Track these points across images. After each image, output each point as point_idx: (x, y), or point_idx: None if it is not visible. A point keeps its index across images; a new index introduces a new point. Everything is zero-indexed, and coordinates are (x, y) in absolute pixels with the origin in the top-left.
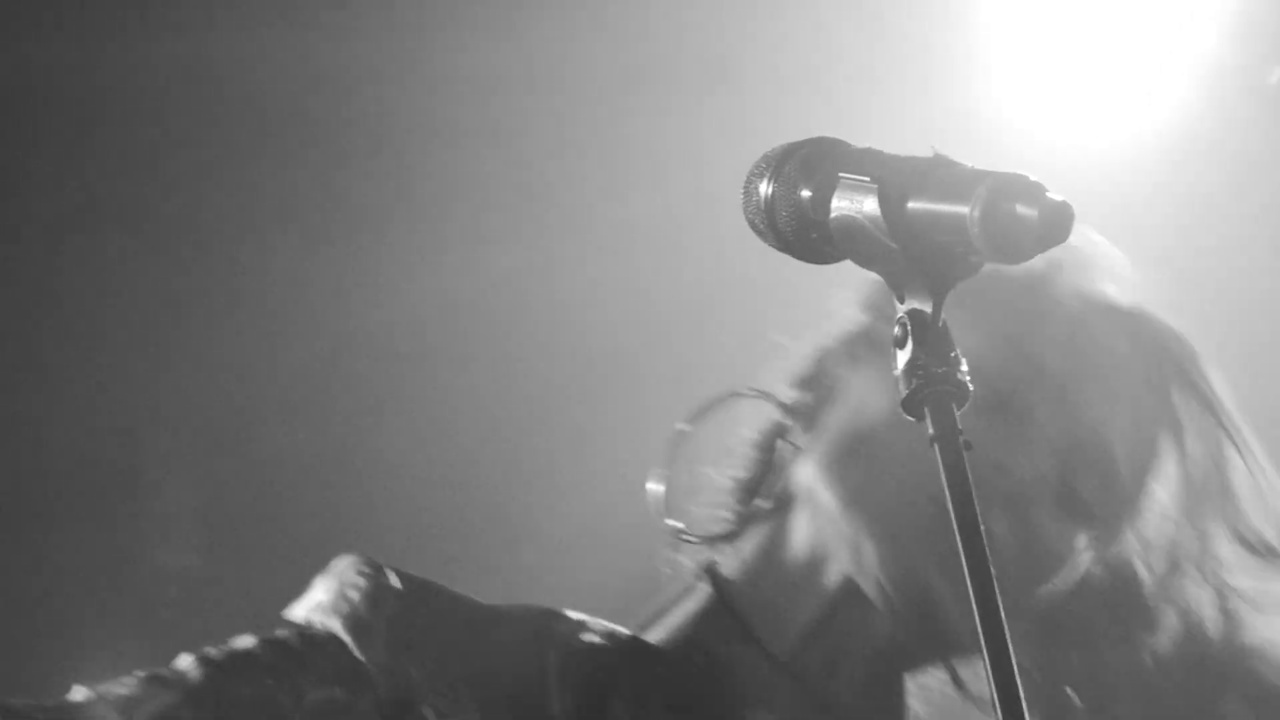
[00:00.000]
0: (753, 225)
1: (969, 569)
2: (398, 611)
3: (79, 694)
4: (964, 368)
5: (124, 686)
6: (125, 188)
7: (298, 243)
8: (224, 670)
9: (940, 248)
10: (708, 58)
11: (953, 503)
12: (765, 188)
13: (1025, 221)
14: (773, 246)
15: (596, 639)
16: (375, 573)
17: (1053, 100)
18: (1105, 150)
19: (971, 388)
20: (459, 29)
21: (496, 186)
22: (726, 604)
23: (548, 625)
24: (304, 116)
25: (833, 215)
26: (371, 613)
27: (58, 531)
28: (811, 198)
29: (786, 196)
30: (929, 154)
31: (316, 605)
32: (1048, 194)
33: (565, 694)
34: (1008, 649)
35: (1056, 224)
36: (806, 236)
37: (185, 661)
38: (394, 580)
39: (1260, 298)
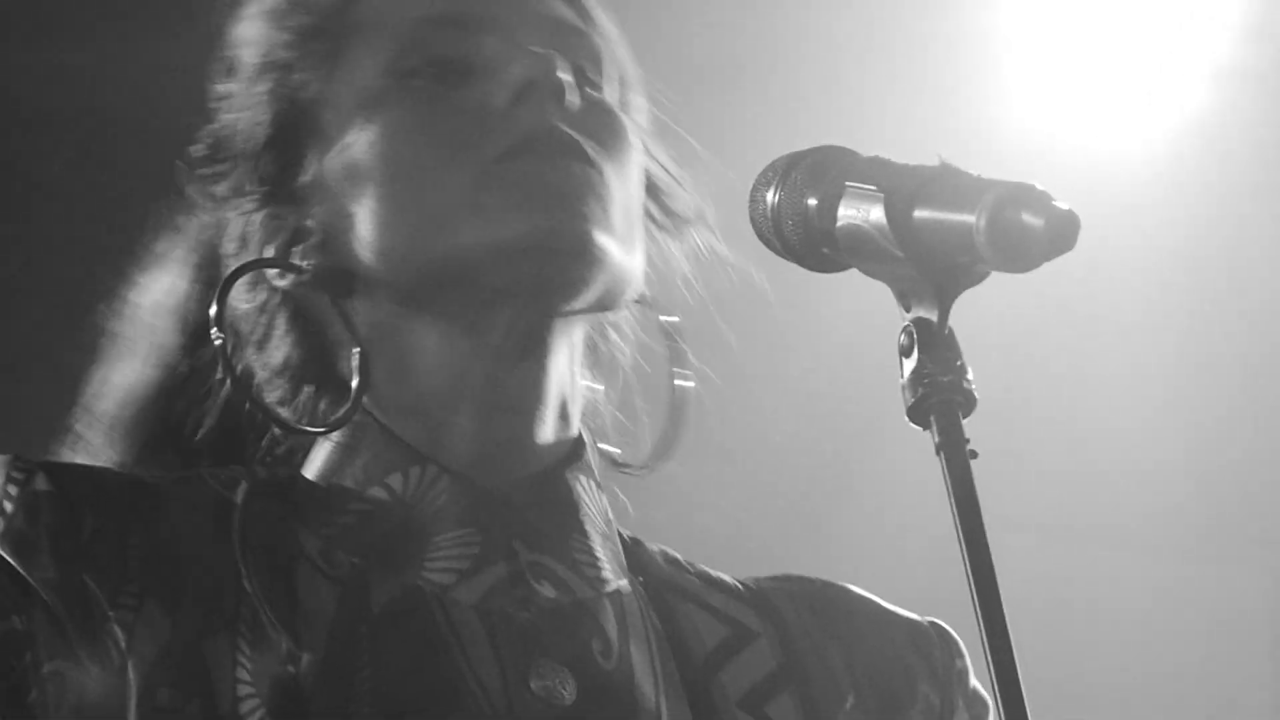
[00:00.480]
0: (759, 233)
1: (974, 578)
2: (56, 519)
3: None
4: (970, 376)
5: None
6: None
7: None
8: None
9: (947, 256)
10: (720, 61)
11: (958, 512)
12: (772, 196)
13: (1032, 230)
14: (779, 254)
15: (271, 491)
16: (27, 477)
17: (1064, 105)
18: (1116, 154)
19: (978, 396)
20: None
21: None
22: None
23: (219, 492)
24: None
25: (839, 224)
26: (29, 525)
27: None
28: (818, 206)
29: (793, 205)
30: (936, 163)
31: None
32: (1054, 203)
33: (252, 565)
34: (1012, 657)
35: (1063, 233)
36: (813, 245)
37: None
38: (44, 483)
39: (1272, 299)
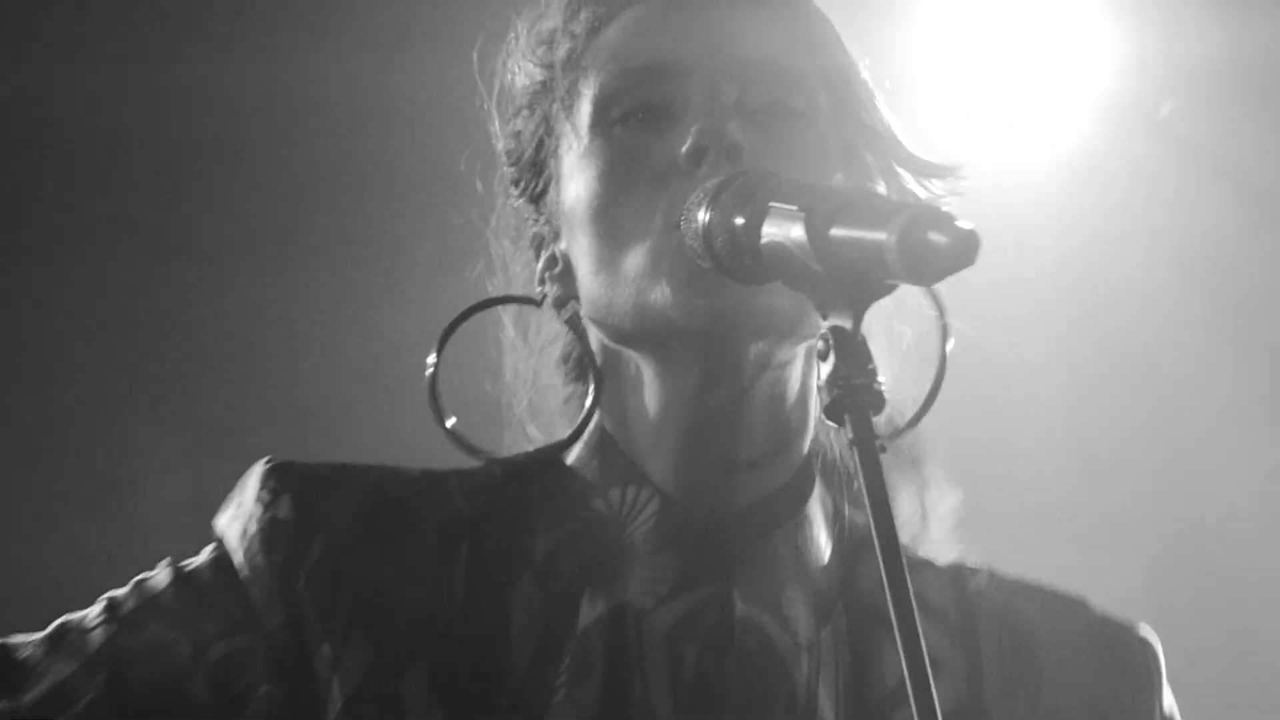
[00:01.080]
0: (691, 250)
1: (884, 563)
2: (288, 549)
3: None
4: (880, 379)
5: (25, 649)
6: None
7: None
8: (126, 625)
9: (860, 270)
10: None
11: (870, 501)
12: (703, 215)
13: (937, 248)
14: (709, 269)
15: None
16: (273, 499)
17: (963, 131)
18: (1008, 180)
19: (887, 397)
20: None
21: None
22: None
23: (459, 507)
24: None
25: (763, 240)
26: (265, 553)
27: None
28: (744, 224)
29: (723, 223)
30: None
31: (226, 531)
32: (957, 223)
33: (474, 585)
34: (919, 638)
35: (965, 250)
36: (740, 260)
37: (96, 610)
38: (286, 509)
39: (1155, 324)
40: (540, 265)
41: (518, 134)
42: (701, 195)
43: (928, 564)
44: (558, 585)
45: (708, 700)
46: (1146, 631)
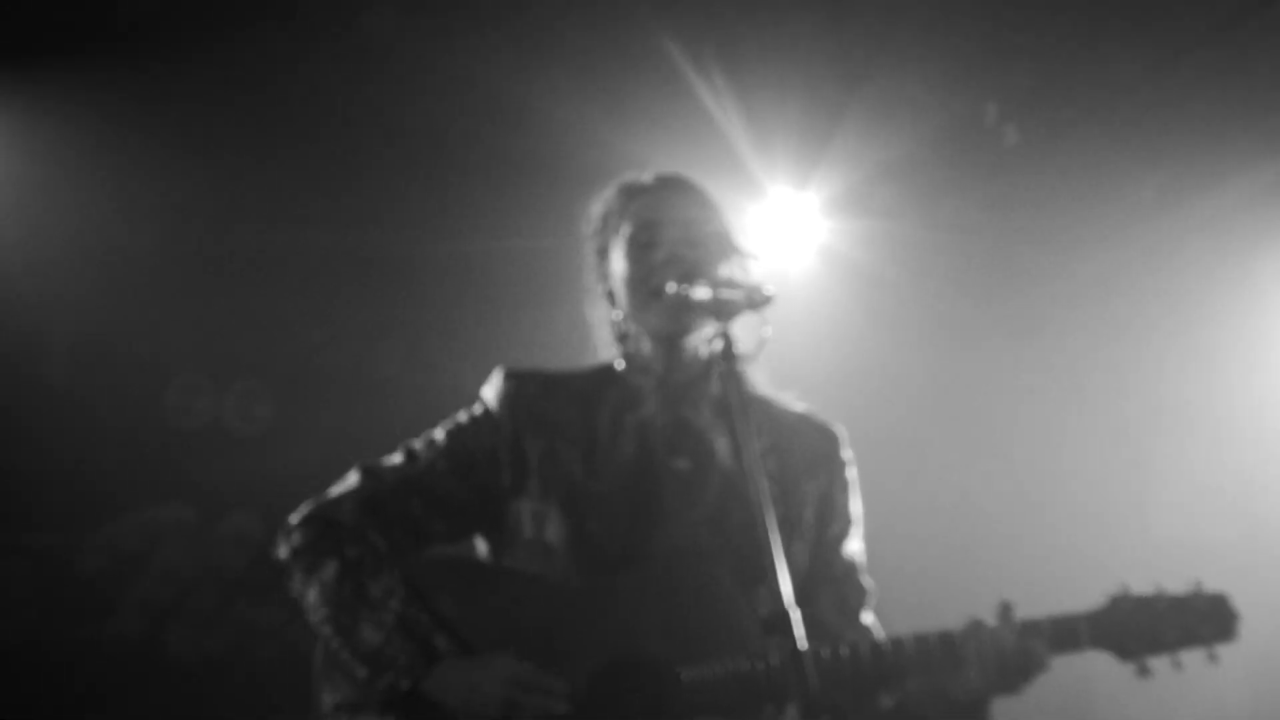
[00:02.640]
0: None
1: (733, 404)
2: (515, 403)
3: None
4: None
5: (398, 454)
6: None
7: None
8: (450, 433)
9: (726, 307)
10: None
11: (725, 379)
12: (670, 285)
13: (761, 298)
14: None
15: None
16: (508, 381)
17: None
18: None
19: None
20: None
21: None
22: None
23: (585, 386)
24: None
25: (694, 296)
26: (507, 405)
27: None
28: (680, 288)
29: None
30: None
31: (486, 394)
32: (765, 289)
33: (600, 421)
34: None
35: (769, 299)
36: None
37: (433, 434)
38: (512, 386)
39: (873, 384)
40: (602, 292)
41: (593, 236)
42: (666, 275)
43: (756, 396)
44: (617, 414)
45: (671, 449)
46: (838, 427)
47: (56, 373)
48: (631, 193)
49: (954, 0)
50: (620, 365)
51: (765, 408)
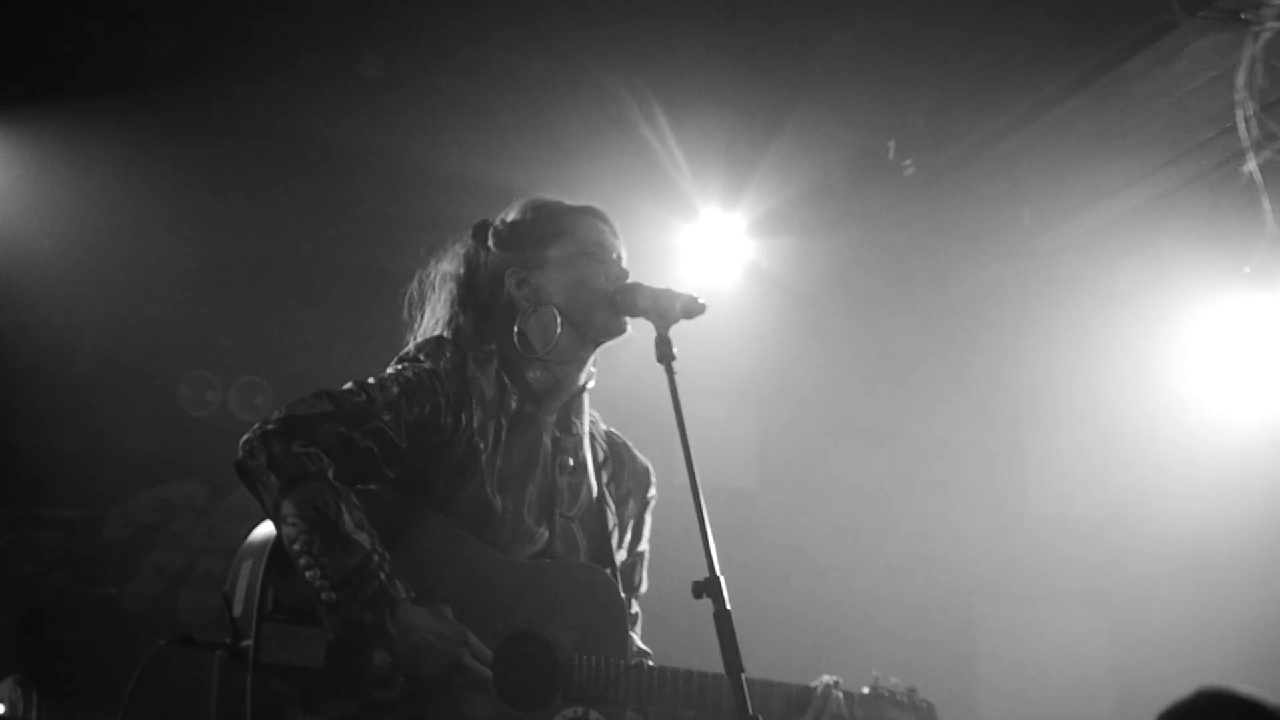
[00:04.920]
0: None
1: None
2: (454, 377)
3: None
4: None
5: (346, 395)
6: None
7: None
8: (399, 384)
9: (665, 313)
10: None
11: (671, 396)
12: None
13: (694, 307)
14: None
15: None
16: (443, 352)
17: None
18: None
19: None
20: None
21: None
22: None
23: (482, 366)
24: None
25: (638, 301)
26: (446, 377)
27: None
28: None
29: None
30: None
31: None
32: (699, 299)
33: (491, 396)
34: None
35: (697, 308)
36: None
37: (378, 379)
38: (457, 355)
39: (792, 394)
40: (515, 283)
41: (522, 236)
42: (622, 286)
43: (594, 419)
44: (518, 396)
45: (561, 448)
46: (647, 462)
47: (83, 366)
48: (564, 209)
49: (862, 48)
50: (536, 352)
51: (601, 431)
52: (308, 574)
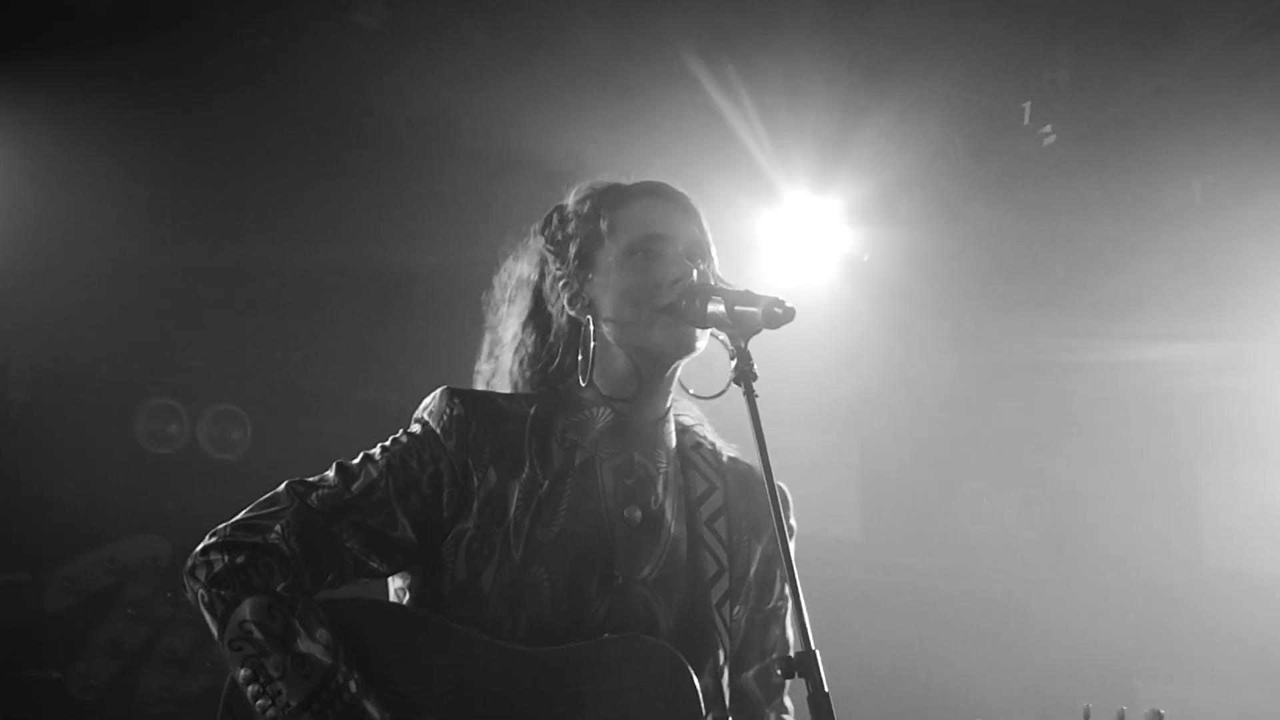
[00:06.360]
0: (683, 311)
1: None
2: (461, 428)
3: None
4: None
5: (342, 469)
6: None
7: None
8: (394, 453)
9: (746, 323)
10: None
11: (757, 440)
12: (683, 301)
13: (778, 314)
14: (682, 320)
15: None
16: (453, 404)
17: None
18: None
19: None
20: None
21: None
22: None
23: (524, 408)
24: None
25: (708, 310)
26: (453, 430)
27: None
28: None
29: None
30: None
31: (426, 416)
32: (786, 303)
33: (533, 445)
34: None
35: (788, 315)
36: (693, 318)
37: (376, 450)
38: (459, 408)
39: (878, 383)
40: (567, 299)
41: (571, 236)
42: (683, 290)
43: (703, 443)
44: (566, 446)
45: (626, 496)
46: (783, 485)
47: (16, 395)
48: (613, 197)
49: None
50: (582, 384)
51: (714, 458)
52: (258, 704)
